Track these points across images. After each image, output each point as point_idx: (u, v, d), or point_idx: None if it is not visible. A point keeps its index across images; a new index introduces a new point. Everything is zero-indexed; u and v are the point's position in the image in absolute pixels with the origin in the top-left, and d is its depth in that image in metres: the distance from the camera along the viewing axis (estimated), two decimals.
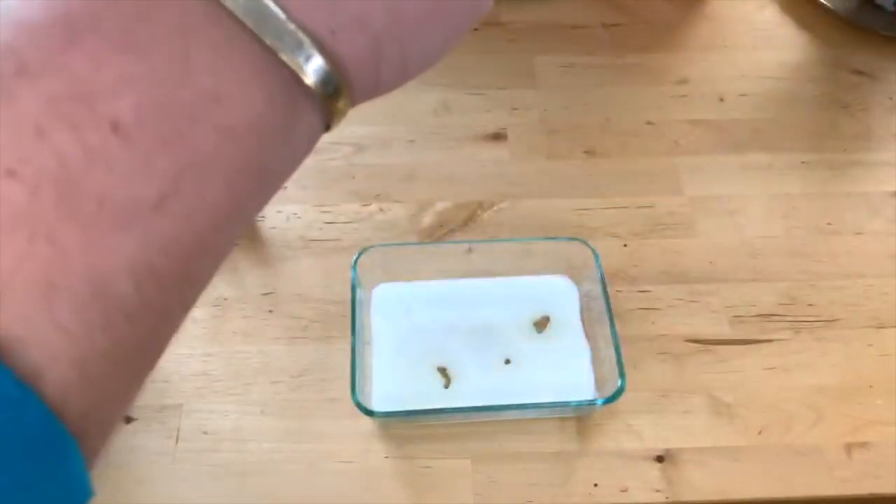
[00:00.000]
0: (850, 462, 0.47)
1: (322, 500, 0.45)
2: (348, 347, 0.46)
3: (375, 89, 0.21)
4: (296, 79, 0.18)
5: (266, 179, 0.19)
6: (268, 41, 0.17)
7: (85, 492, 0.16)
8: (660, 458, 0.47)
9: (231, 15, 0.17)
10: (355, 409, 0.44)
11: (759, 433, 0.48)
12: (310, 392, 0.49)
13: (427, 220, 0.57)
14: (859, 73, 0.68)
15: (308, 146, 0.20)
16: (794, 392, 0.49)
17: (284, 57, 0.17)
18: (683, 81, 0.67)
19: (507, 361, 0.49)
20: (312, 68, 0.18)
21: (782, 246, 0.56)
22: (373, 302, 0.52)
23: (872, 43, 0.69)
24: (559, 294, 0.52)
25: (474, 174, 0.60)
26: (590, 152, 0.61)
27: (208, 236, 0.17)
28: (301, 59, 0.17)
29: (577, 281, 0.53)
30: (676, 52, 0.69)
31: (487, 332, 0.51)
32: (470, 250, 0.52)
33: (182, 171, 0.16)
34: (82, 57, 0.15)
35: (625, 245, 0.56)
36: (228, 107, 0.17)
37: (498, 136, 0.62)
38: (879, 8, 0.70)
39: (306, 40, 0.17)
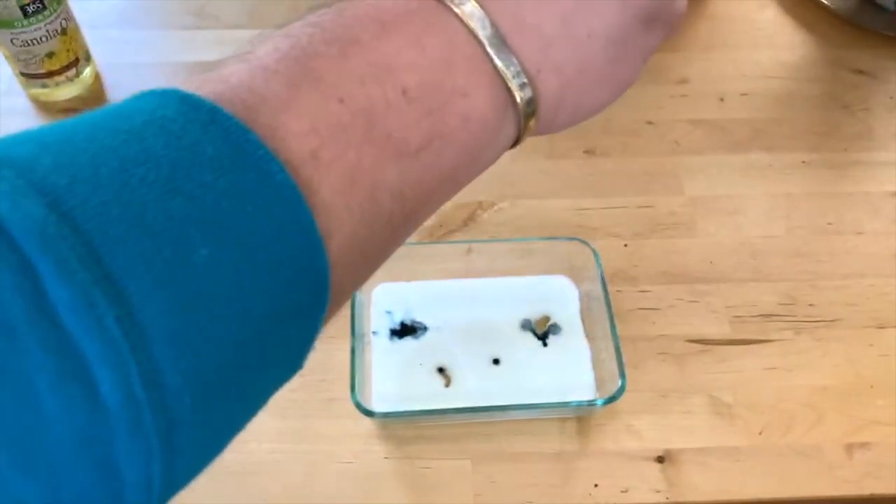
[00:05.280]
0: (850, 462, 0.47)
1: (322, 500, 0.45)
2: (348, 347, 0.46)
3: (550, 125, 0.28)
4: (511, 97, 0.25)
5: (472, 165, 0.26)
6: (499, 67, 0.25)
7: (305, 356, 0.23)
8: (660, 459, 0.47)
9: (480, 43, 0.24)
10: (355, 409, 0.44)
11: (760, 433, 0.48)
12: (310, 392, 0.49)
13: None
14: (860, 72, 0.67)
15: (501, 151, 0.27)
16: (795, 392, 0.49)
17: (508, 80, 0.25)
18: (684, 81, 0.66)
19: (507, 362, 0.49)
20: (523, 93, 0.25)
21: (783, 246, 0.56)
22: (373, 302, 0.52)
23: (873, 42, 0.69)
24: (559, 294, 0.52)
25: None
26: (590, 152, 0.61)
27: (433, 189, 0.24)
28: (517, 84, 0.25)
29: (578, 281, 0.52)
30: (677, 51, 0.69)
31: (487, 332, 0.51)
32: (470, 250, 0.52)
33: (433, 135, 0.23)
34: (392, 44, 0.23)
35: (625, 245, 0.56)
36: (469, 102, 0.24)
37: None
38: (880, 7, 0.70)
39: (522, 73, 0.25)
